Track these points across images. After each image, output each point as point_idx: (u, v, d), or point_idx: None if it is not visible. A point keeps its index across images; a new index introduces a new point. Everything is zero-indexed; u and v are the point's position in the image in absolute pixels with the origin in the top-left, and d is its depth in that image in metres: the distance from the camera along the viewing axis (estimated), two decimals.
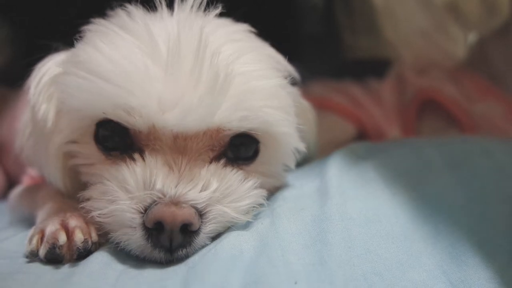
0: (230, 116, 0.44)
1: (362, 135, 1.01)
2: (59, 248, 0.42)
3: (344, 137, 0.98)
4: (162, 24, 0.46)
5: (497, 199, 0.46)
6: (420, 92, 0.94)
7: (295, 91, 0.55)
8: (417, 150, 0.55)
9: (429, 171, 0.50)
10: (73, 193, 0.49)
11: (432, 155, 0.53)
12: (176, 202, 0.41)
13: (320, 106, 1.03)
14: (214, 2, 0.50)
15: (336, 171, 0.51)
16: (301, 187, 0.51)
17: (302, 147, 0.51)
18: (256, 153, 0.49)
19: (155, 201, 0.41)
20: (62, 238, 0.42)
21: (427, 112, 0.94)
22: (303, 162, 0.61)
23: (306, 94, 1.16)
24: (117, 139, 0.46)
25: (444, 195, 0.47)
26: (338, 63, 1.17)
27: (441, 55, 0.98)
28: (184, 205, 0.41)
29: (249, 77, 0.45)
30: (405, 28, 1.07)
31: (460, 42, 0.96)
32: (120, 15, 0.48)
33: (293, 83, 0.54)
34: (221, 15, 0.51)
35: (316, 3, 1.16)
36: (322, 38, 1.18)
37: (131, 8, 0.48)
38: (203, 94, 0.42)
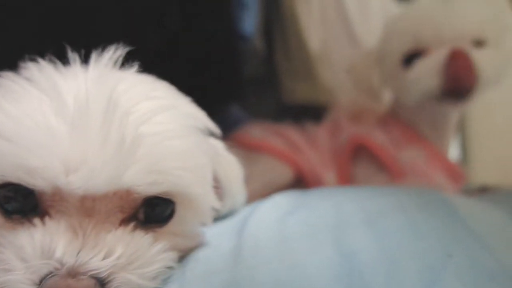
0: (139, 179, 0.42)
1: (299, 178, 1.02)
2: None
3: (281, 180, 0.99)
4: (73, 81, 0.45)
5: (406, 256, 0.46)
6: (352, 138, 0.97)
7: (217, 145, 0.55)
8: (338, 205, 0.55)
9: (347, 228, 0.51)
10: None
11: (351, 210, 0.54)
12: (74, 274, 0.38)
13: (258, 148, 1.04)
14: (138, 56, 0.50)
15: (254, 229, 0.51)
16: (218, 246, 0.50)
17: (219, 205, 0.51)
18: (171, 213, 0.48)
19: (51, 272, 0.38)
20: None
21: (360, 158, 0.97)
22: (229, 214, 0.60)
23: (245, 137, 1.17)
24: (20, 200, 0.43)
25: (358, 253, 0.47)
26: (277, 107, 1.20)
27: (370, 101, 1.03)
28: (82, 276, 0.39)
29: (161, 137, 0.44)
30: (340, 74, 1.11)
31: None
32: (30, 69, 0.46)
33: (215, 137, 0.54)
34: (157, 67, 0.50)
35: (257, 47, 1.19)
36: (263, 81, 1.20)
37: (42, 62, 0.47)
38: (109, 156, 0.41)
